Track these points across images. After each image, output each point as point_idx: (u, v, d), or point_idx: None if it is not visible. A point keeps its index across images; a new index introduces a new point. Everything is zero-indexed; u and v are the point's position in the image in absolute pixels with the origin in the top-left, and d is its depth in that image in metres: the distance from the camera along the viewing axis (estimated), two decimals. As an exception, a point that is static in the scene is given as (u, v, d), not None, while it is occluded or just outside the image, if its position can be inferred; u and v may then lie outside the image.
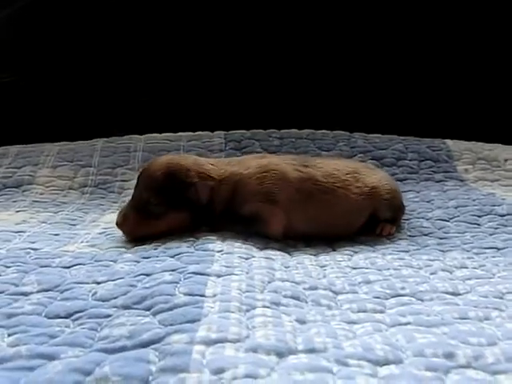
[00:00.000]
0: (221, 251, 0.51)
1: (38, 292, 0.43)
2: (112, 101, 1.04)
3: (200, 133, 0.98)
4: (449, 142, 1.00)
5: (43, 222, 0.70)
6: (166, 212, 0.58)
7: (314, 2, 1.06)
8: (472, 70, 1.08)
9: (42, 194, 0.86)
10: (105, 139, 0.98)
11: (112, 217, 0.71)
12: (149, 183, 0.58)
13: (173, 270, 0.45)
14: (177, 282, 0.42)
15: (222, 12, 1.05)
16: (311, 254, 0.57)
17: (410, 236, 0.66)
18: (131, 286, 0.42)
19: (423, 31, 1.07)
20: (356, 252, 0.58)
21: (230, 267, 0.46)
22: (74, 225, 0.70)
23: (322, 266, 0.52)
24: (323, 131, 1.00)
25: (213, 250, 0.51)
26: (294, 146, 0.95)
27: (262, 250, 0.56)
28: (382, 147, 0.97)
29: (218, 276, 0.44)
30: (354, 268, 0.52)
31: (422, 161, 0.95)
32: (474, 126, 1.05)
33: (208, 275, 0.43)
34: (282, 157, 0.67)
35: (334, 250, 0.59)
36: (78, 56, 1.04)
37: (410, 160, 0.95)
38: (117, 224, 0.60)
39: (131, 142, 0.96)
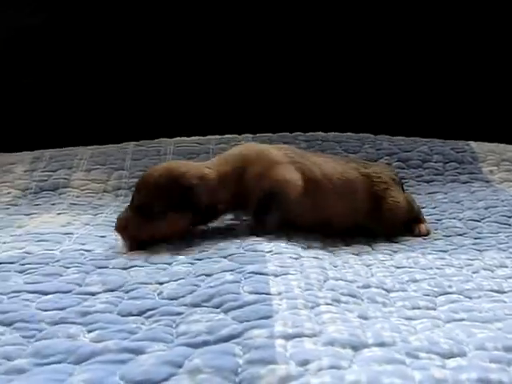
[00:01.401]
0: (270, 252, 0.53)
1: (104, 292, 0.45)
2: (141, 104, 1.07)
3: (228, 136, 1.01)
4: (472, 143, 1.02)
5: (86, 224, 0.72)
6: (167, 214, 0.58)
7: (333, 8, 1.08)
8: (494, 73, 1.09)
9: (77, 196, 0.89)
10: (135, 142, 1.00)
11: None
12: (150, 188, 0.59)
13: (231, 270, 0.47)
14: (239, 282, 0.44)
15: (247, 20, 1.07)
16: (353, 254, 0.59)
17: (445, 236, 0.67)
18: (195, 285, 0.44)
19: (448, 35, 1.09)
20: (395, 252, 0.60)
21: (284, 267, 0.48)
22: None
23: (367, 265, 0.54)
24: (349, 134, 1.03)
25: (262, 251, 0.53)
26: (320, 148, 0.97)
27: (306, 249, 0.58)
28: (407, 149, 0.99)
29: (276, 275, 0.46)
30: (399, 267, 0.54)
31: (447, 162, 0.97)
32: (497, 127, 1.07)
33: (267, 274, 0.45)
34: (269, 146, 0.68)
35: (374, 250, 0.61)
36: (108, 61, 1.07)
37: (435, 162, 0.97)
38: (117, 229, 0.59)
39: (161, 146, 0.99)
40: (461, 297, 0.47)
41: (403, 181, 0.92)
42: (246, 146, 0.68)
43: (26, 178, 0.92)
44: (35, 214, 0.78)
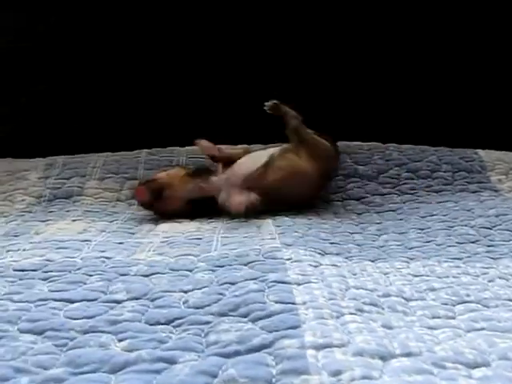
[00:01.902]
0: (289, 259, 0.54)
1: (129, 300, 0.46)
2: (153, 112, 1.08)
3: (240, 146, 1.01)
4: (481, 152, 1.03)
5: (103, 231, 0.73)
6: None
7: (341, 15, 1.10)
8: (502, 80, 1.11)
9: (91, 204, 0.90)
10: (147, 150, 1.01)
11: (166, 226, 0.75)
12: None
13: (254, 279, 0.48)
14: (263, 291, 0.45)
15: (255, 31, 1.09)
16: (370, 261, 0.59)
17: (458, 243, 0.68)
18: (220, 294, 0.45)
19: (456, 41, 1.10)
20: (411, 259, 0.61)
21: (306, 275, 0.49)
22: (132, 233, 0.73)
23: (385, 274, 0.55)
24: (358, 143, 1.04)
25: (282, 258, 0.54)
26: (330, 159, 0.99)
27: (323, 256, 0.59)
28: (417, 159, 1.00)
29: (298, 284, 0.47)
30: (416, 275, 0.55)
31: (456, 172, 0.98)
32: (505, 134, 1.08)
33: (289, 283, 0.46)
34: None
35: (390, 257, 0.61)
36: (121, 67, 1.08)
37: (444, 171, 0.98)
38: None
39: (173, 155, 1.00)
40: (479, 306, 0.47)
41: (413, 191, 0.95)
42: None
43: (40, 185, 0.93)
44: (51, 220, 0.80)
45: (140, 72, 1.08)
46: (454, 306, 0.47)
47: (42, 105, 1.07)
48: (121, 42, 1.07)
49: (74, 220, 0.79)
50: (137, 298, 0.47)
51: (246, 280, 0.47)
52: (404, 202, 0.90)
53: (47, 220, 0.79)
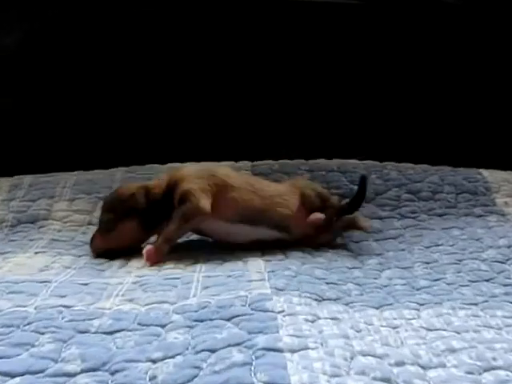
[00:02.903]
0: (281, 311, 0.46)
1: (83, 372, 0.37)
2: (130, 127, 0.99)
3: (224, 163, 0.93)
4: (484, 172, 0.96)
5: (67, 268, 0.64)
6: (116, 226, 0.70)
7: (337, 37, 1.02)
8: (505, 97, 1.04)
9: (59, 230, 0.80)
10: (124, 168, 0.92)
11: (141, 261, 0.66)
12: (103, 206, 0.73)
13: (238, 344, 0.39)
14: (250, 364, 0.36)
15: (249, 47, 1.00)
16: (374, 308, 0.51)
17: (471, 282, 0.60)
18: (196, 367, 0.36)
19: (457, 59, 1.03)
20: (421, 305, 0.52)
21: (301, 337, 0.41)
22: (101, 270, 0.64)
23: (394, 328, 0.47)
24: (353, 161, 0.96)
25: (273, 311, 0.46)
26: (324, 179, 0.90)
27: (320, 302, 0.51)
28: (417, 180, 0.92)
29: (292, 351, 0.38)
30: (430, 329, 0.46)
31: (460, 194, 0.90)
32: (509, 153, 1.02)
33: (281, 351, 0.38)
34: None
35: (398, 302, 0.53)
36: (93, 80, 0.99)
37: (447, 193, 0.90)
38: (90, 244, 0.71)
39: (152, 173, 0.91)
40: (510, 374, 0.40)
41: (414, 215, 0.87)
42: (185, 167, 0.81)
43: (3, 208, 0.83)
44: (9, 252, 0.70)
45: (116, 82, 0.99)
46: (480, 374, 0.39)
47: (6, 119, 0.98)
48: (95, 51, 0.99)
49: (36, 252, 0.69)
50: (94, 369, 0.38)
51: (229, 346, 0.38)
52: (405, 228, 0.82)
53: (6, 252, 0.69)
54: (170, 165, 0.93)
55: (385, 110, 1.03)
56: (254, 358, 0.37)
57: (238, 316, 0.45)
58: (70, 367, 0.38)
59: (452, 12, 1.03)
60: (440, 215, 0.86)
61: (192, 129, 1.00)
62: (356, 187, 0.88)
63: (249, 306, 0.47)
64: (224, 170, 0.75)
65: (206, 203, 0.67)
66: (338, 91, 1.01)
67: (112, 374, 0.37)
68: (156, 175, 0.90)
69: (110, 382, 0.36)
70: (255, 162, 0.94)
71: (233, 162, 0.94)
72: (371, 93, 1.02)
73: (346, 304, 0.52)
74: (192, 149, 0.98)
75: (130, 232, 0.70)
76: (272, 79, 1.01)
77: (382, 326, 0.47)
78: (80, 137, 0.99)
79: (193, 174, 0.70)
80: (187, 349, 0.39)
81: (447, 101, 1.04)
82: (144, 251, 0.65)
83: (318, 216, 0.71)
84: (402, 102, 1.03)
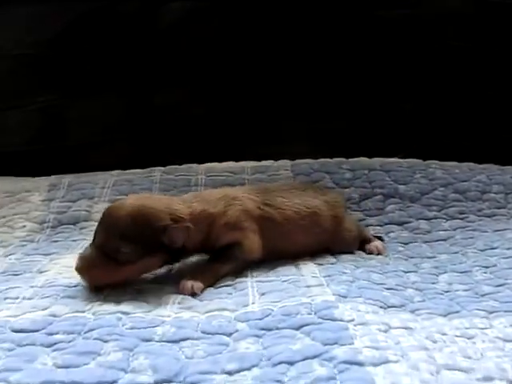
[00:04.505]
0: (351, 321, 0.44)
1: (156, 383, 0.36)
2: (169, 125, 0.98)
3: (264, 163, 0.91)
4: (533, 170, 0.93)
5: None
6: (138, 259, 0.53)
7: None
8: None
9: (101, 232, 0.79)
10: (162, 168, 0.91)
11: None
12: (117, 230, 0.53)
13: (316, 357, 0.37)
14: (334, 378, 0.34)
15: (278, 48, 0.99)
16: (442, 316, 0.49)
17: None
18: (277, 381, 0.35)
19: (502, 57, 1.00)
20: (491, 313, 0.49)
21: (379, 349, 0.39)
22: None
23: (469, 338, 0.44)
24: (395, 160, 0.93)
25: (342, 320, 0.44)
26: (367, 179, 0.88)
27: (385, 309, 0.48)
28: (464, 179, 0.89)
29: (375, 365, 0.36)
30: (507, 340, 0.44)
31: (509, 193, 0.87)
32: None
33: (363, 365, 0.36)
34: (244, 189, 0.69)
35: (465, 309, 0.50)
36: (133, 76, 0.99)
37: (495, 193, 0.87)
38: (77, 269, 0.53)
39: (191, 174, 0.89)
40: None
41: (462, 215, 0.84)
42: (223, 192, 0.66)
43: (44, 208, 0.83)
44: (55, 253, 0.69)
45: (153, 79, 0.99)
46: None
47: (49, 117, 0.97)
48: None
49: (81, 254, 0.69)
50: (167, 381, 0.36)
51: (308, 358, 0.37)
52: (455, 229, 0.79)
53: (51, 253, 0.69)
54: (208, 164, 0.92)
55: (426, 108, 0.99)
56: (337, 371, 0.35)
57: (307, 325, 0.43)
58: (143, 378, 0.37)
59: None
60: (489, 216, 0.83)
61: (230, 126, 0.99)
62: (400, 186, 0.87)
63: (315, 314, 0.45)
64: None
65: (257, 248, 0.61)
66: (379, 88, 0.98)
67: (187, 386, 0.36)
68: (195, 176, 0.90)
69: (187, 395, 0.35)
70: (295, 161, 0.91)
71: (272, 161, 0.92)
72: (413, 90, 0.99)
73: (412, 312, 0.49)
74: (230, 146, 0.96)
75: (151, 267, 0.57)
76: (313, 76, 0.98)
77: (455, 335, 0.44)
78: (115, 135, 0.98)
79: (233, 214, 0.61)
80: (261, 360, 0.38)
81: (491, 97, 1.00)
82: (184, 288, 0.54)
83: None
84: (444, 99, 1.00)
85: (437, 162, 0.93)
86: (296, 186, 0.72)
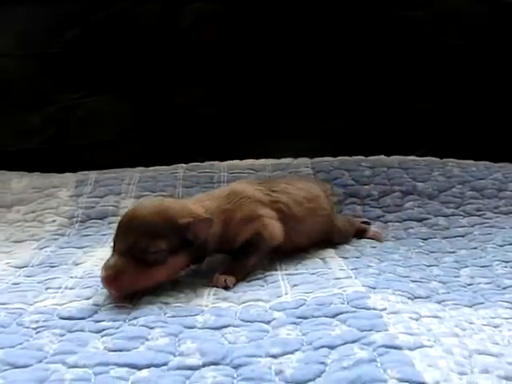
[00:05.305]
0: (384, 309, 0.46)
1: (205, 366, 0.38)
2: (189, 124, 1.00)
3: (284, 160, 0.94)
4: (548, 169, 0.94)
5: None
6: (167, 259, 0.53)
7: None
8: None
9: (129, 227, 0.82)
10: (185, 166, 0.93)
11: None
12: (144, 229, 0.52)
13: (355, 341, 0.39)
14: (375, 361, 0.37)
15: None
16: (467, 307, 0.51)
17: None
18: (321, 363, 0.37)
19: None
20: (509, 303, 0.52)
21: (413, 334, 0.41)
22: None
23: (495, 327, 0.46)
24: (413, 158, 0.95)
25: (375, 309, 0.46)
26: (386, 176, 0.90)
27: (413, 300, 0.51)
28: (480, 177, 0.91)
29: (411, 349, 0.38)
30: (532, 330, 0.47)
31: (525, 191, 0.90)
32: None
33: (400, 348, 0.38)
34: (247, 182, 0.70)
35: (489, 301, 0.52)
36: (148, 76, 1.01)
37: (511, 191, 0.89)
38: (105, 279, 0.50)
39: (214, 171, 0.91)
40: None
41: (479, 212, 0.86)
42: (229, 188, 0.67)
43: (72, 204, 0.85)
44: (88, 247, 0.72)
45: (175, 75, 1.01)
46: None
47: (70, 116, 1.00)
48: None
49: (113, 247, 0.71)
50: (216, 364, 0.39)
51: (347, 343, 0.39)
52: (472, 226, 0.81)
53: (84, 246, 0.72)
54: (229, 162, 0.95)
55: (444, 108, 1.01)
56: (377, 355, 0.37)
57: (342, 313, 0.45)
58: (191, 361, 0.39)
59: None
60: (506, 213, 0.85)
61: (247, 123, 1.00)
62: (419, 183, 0.89)
63: (348, 303, 0.48)
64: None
65: (278, 232, 0.62)
66: (398, 88, 1.00)
67: (235, 368, 0.38)
68: (218, 173, 0.92)
69: (235, 375, 0.37)
70: (314, 159, 0.94)
71: (292, 159, 0.95)
72: (431, 90, 1.01)
73: (438, 302, 0.52)
74: (250, 144, 0.99)
75: (177, 268, 0.56)
76: (336, 76, 1.00)
77: (482, 324, 0.47)
78: (138, 132, 1.01)
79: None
80: (303, 345, 0.40)
81: (507, 97, 1.02)
82: (217, 281, 0.56)
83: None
84: (461, 99, 1.01)
85: (454, 160, 0.95)
86: (291, 178, 0.77)
